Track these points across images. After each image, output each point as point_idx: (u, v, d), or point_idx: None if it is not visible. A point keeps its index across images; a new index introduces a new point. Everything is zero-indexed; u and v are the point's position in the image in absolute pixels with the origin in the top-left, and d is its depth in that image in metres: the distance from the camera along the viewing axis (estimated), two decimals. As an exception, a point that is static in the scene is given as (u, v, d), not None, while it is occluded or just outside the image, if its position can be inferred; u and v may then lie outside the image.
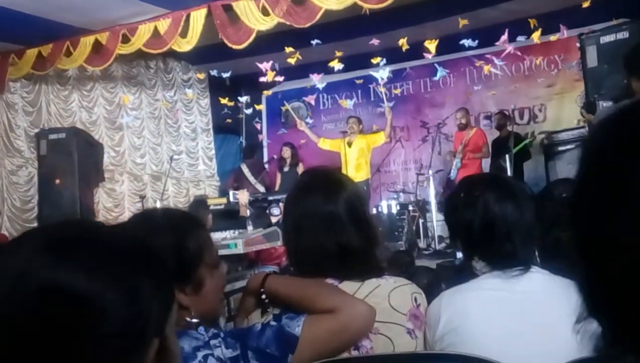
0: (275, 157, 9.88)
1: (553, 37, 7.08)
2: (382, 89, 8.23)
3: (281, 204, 6.48)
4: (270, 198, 7.42)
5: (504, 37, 6.73)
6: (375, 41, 7.39)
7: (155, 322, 0.78)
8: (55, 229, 0.79)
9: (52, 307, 0.69)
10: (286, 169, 9.13)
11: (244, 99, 9.18)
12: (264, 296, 1.60)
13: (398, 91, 9.55)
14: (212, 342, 1.32)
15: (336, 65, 7.53)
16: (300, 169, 8.95)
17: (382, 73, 7.50)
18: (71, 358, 0.70)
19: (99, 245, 0.77)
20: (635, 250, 0.55)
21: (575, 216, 0.64)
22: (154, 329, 0.78)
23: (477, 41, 7.31)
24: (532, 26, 6.71)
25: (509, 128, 8.00)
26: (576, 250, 0.64)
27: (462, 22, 6.90)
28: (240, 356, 1.32)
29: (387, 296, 1.60)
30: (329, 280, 1.60)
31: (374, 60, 7.57)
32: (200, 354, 1.29)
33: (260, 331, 1.39)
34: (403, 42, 7.04)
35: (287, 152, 9.11)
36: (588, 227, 0.61)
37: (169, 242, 1.39)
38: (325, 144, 8.65)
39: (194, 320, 1.39)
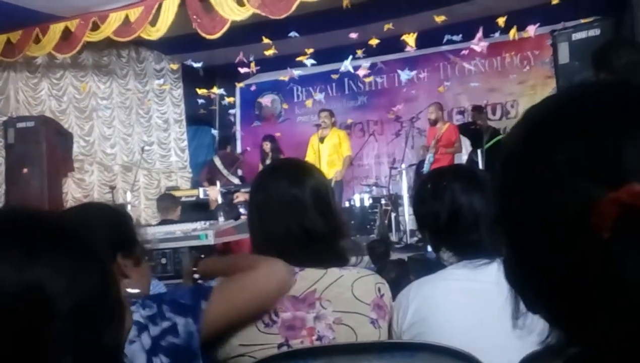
0: (248, 149, 9.82)
1: (525, 34, 7.14)
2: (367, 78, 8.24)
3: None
4: (243, 190, 7.37)
5: (479, 34, 6.76)
6: (353, 35, 7.38)
7: (110, 297, 0.78)
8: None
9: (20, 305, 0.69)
10: (268, 161, 9.03)
11: (217, 91, 9.11)
12: (196, 276, 1.67)
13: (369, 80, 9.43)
14: (132, 308, 1.37)
15: (307, 60, 7.50)
16: (282, 160, 8.85)
17: (346, 64, 7.47)
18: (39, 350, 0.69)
19: (35, 233, 0.76)
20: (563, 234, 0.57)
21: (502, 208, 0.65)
22: (112, 304, 0.78)
23: (451, 37, 7.35)
24: (500, 24, 6.76)
25: (480, 122, 8.06)
26: (505, 244, 0.65)
27: (439, 18, 6.90)
28: (157, 313, 1.38)
29: (350, 286, 1.60)
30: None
31: (358, 52, 7.57)
32: None
33: (179, 288, 1.54)
34: (374, 40, 7.06)
35: (267, 146, 9.00)
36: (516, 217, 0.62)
37: (113, 219, 1.63)
38: (309, 157, 8.48)
39: (135, 291, 1.53)
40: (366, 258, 4.35)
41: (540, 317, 0.63)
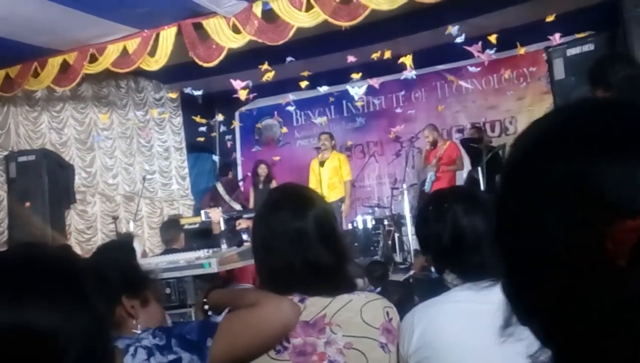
0: (249, 174, 9.85)
1: (521, 50, 7.18)
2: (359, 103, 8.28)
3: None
4: (245, 216, 7.36)
5: (478, 46, 6.77)
6: (350, 58, 7.43)
7: (103, 339, 0.80)
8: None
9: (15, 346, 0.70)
10: (260, 186, 9.06)
11: (217, 118, 9.16)
12: (206, 307, 1.70)
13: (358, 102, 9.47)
14: (142, 335, 1.45)
15: (305, 83, 7.54)
16: (274, 186, 8.87)
17: (356, 90, 7.49)
18: None
19: (44, 277, 0.78)
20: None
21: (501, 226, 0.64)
22: (105, 342, 0.81)
23: (447, 56, 7.40)
24: (494, 42, 6.78)
25: (477, 136, 8.09)
26: (505, 263, 0.64)
27: (449, 29, 6.90)
28: (165, 345, 1.43)
29: (359, 310, 1.60)
30: (296, 295, 1.59)
31: (355, 75, 7.57)
32: (131, 348, 1.42)
33: (187, 323, 1.56)
34: (376, 55, 7.08)
35: (264, 170, 9.04)
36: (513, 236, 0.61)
37: (122, 262, 1.72)
38: (312, 182, 8.54)
39: (139, 330, 1.57)
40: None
41: (532, 333, 0.62)
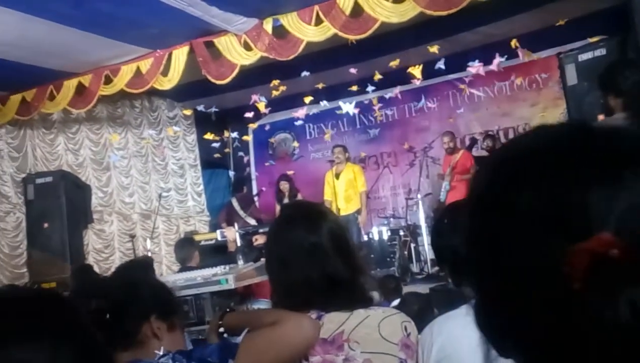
0: (264, 189, 9.86)
1: (535, 56, 7.18)
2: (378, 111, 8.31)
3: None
4: (261, 230, 7.37)
5: (496, 60, 6.76)
6: (361, 70, 7.47)
7: None
8: None
9: None
10: (286, 200, 9.02)
11: (231, 134, 9.22)
12: (222, 329, 1.68)
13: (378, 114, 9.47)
14: (161, 360, 1.47)
15: (312, 101, 7.59)
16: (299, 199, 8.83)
17: (348, 107, 7.50)
18: None
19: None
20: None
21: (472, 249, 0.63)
22: None
23: (459, 65, 7.40)
24: (514, 46, 6.77)
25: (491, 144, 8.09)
26: (476, 291, 0.64)
27: (432, 48, 6.93)
28: None
29: (377, 326, 1.59)
30: (314, 312, 1.59)
31: (362, 87, 7.61)
32: None
33: (207, 346, 1.55)
34: (394, 64, 7.13)
35: (285, 186, 9.03)
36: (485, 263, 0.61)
37: (156, 282, 1.77)
38: (327, 195, 8.58)
39: (162, 352, 1.56)
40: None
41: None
